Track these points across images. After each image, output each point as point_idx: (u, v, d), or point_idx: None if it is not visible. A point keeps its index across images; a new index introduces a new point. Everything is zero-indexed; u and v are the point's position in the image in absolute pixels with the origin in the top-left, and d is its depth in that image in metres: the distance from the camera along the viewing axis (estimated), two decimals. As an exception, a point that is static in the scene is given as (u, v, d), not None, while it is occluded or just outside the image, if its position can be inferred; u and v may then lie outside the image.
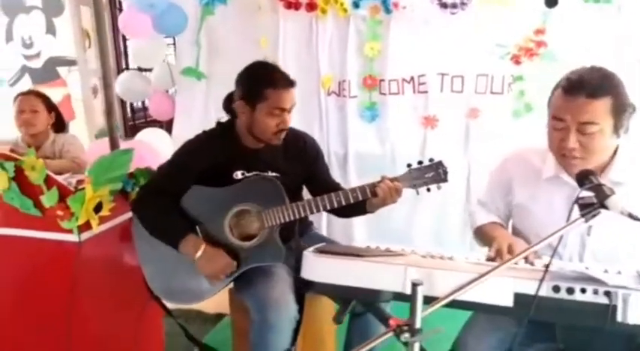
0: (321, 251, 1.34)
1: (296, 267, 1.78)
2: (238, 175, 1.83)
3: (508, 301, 1.17)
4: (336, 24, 2.88)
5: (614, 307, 1.10)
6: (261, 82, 1.77)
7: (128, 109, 3.69)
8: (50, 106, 2.65)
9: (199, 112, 3.14)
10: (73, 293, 1.81)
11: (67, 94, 3.23)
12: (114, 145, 2.24)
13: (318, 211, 1.78)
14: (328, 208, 1.76)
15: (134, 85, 3.16)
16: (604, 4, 2.52)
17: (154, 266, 1.82)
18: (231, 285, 1.89)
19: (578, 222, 1.15)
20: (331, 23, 2.88)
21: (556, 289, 1.15)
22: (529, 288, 1.16)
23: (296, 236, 1.82)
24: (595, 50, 2.54)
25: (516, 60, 2.63)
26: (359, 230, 2.90)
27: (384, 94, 2.87)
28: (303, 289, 1.76)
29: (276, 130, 1.80)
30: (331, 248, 1.38)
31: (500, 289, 1.16)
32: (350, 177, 2.93)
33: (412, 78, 2.82)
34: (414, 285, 1.05)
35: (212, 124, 3.11)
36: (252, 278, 1.76)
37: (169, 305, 2.03)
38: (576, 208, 1.19)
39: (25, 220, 1.86)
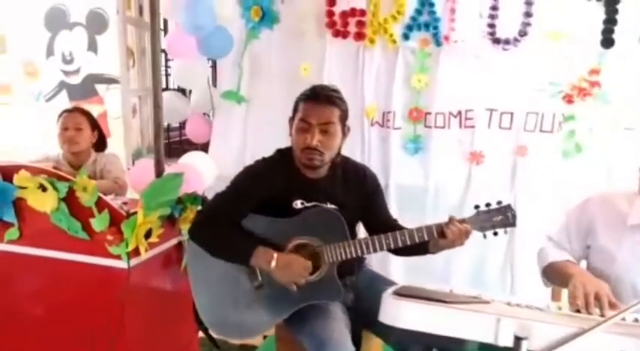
0: (400, 294, 1.26)
1: (355, 306, 1.72)
2: (298, 204, 1.78)
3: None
4: (383, 54, 2.88)
5: None
6: (300, 96, 1.82)
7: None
8: (94, 124, 2.63)
9: (237, 136, 3.14)
10: (120, 321, 1.73)
11: (103, 111, 3.22)
12: (160, 167, 2.18)
13: (382, 249, 1.71)
14: (392, 247, 1.71)
15: (174, 106, 3.13)
16: (661, 46, 2.44)
17: (207, 297, 1.79)
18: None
19: None
20: (379, 53, 2.88)
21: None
22: (633, 347, 1.07)
23: (354, 274, 1.74)
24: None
25: (569, 99, 2.59)
26: (395, 266, 2.82)
27: (430, 127, 2.83)
28: (359, 329, 1.66)
29: (303, 146, 1.76)
30: (411, 291, 1.30)
31: (603, 347, 1.08)
32: (391, 209, 2.84)
33: (459, 112, 2.78)
34: (518, 339, 0.97)
35: (250, 149, 3.11)
36: (308, 315, 1.70)
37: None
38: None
39: (72, 243, 1.81)
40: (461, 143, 2.82)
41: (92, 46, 3.34)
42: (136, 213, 1.81)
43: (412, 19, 2.78)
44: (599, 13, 2.54)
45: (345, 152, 2.97)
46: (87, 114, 2.67)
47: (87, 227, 1.82)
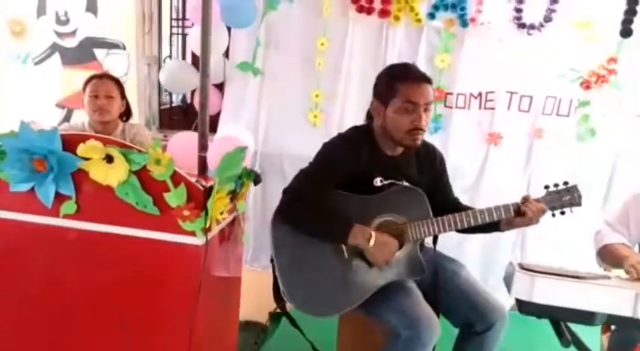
0: (528, 270, 1.31)
1: (433, 281, 1.76)
2: (377, 182, 1.82)
3: None
4: (407, 32, 2.95)
5: None
6: (393, 77, 1.88)
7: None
8: (122, 92, 2.47)
9: (250, 108, 3.12)
10: (197, 299, 1.67)
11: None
12: (204, 140, 2.09)
13: (462, 227, 1.76)
14: (472, 224, 1.79)
15: (181, 75, 3.00)
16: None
17: (295, 277, 1.85)
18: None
19: None
20: (403, 31, 2.95)
21: None
22: None
23: (434, 251, 1.79)
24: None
25: (587, 85, 2.78)
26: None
27: (450, 107, 2.94)
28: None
29: (410, 127, 1.84)
30: (536, 267, 1.35)
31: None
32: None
33: (480, 94, 2.91)
34: None
35: (263, 123, 3.05)
36: (392, 293, 1.78)
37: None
38: None
39: (138, 219, 1.82)
40: (480, 124, 2.95)
41: (91, 7, 3.14)
42: (211, 188, 1.74)
43: (440, -1, 2.79)
44: (621, 3, 2.67)
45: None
46: (117, 81, 2.55)
47: (157, 202, 1.73)
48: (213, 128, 3.40)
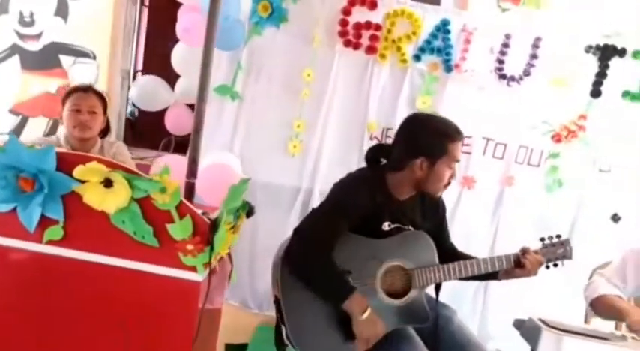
0: (555, 328, 1.33)
1: (433, 329, 1.75)
2: (386, 226, 1.79)
3: None
4: (392, 71, 3.01)
5: None
6: (444, 136, 1.87)
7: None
8: (105, 109, 2.31)
9: (225, 132, 3.03)
10: (193, 337, 1.58)
11: (66, 86, 2.82)
12: (194, 166, 2.01)
13: (467, 275, 1.78)
14: (476, 273, 1.79)
15: (154, 92, 2.90)
16: (637, 102, 2.84)
17: (302, 321, 1.81)
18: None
19: None
20: (388, 70, 3.01)
21: None
22: None
23: (437, 298, 1.79)
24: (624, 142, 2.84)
25: (557, 138, 2.94)
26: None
27: (427, 148, 2.93)
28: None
29: (448, 182, 1.92)
30: (559, 325, 1.38)
31: None
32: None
33: (458, 137, 2.92)
34: None
35: (238, 149, 2.98)
36: (394, 340, 1.73)
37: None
38: None
39: (133, 250, 1.69)
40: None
41: (61, 11, 2.94)
42: (216, 221, 1.65)
43: (426, 43, 2.95)
44: (593, 66, 2.84)
45: (342, 165, 3.06)
46: (101, 96, 2.37)
47: (158, 233, 1.62)
48: (183, 150, 3.32)
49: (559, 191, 3.00)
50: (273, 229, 2.98)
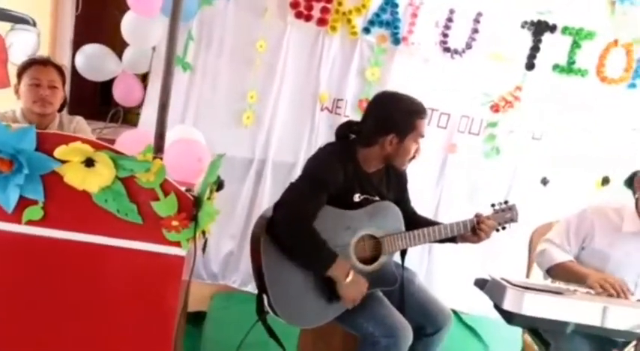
0: (517, 285, 1.53)
1: (399, 291, 1.93)
2: (356, 197, 1.91)
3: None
4: (342, 43, 3.10)
5: None
6: (412, 113, 1.99)
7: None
8: (64, 82, 2.25)
9: (176, 104, 3.00)
10: (177, 311, 1.68)
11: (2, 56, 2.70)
12: (161, 142, 2.05)
13: (431, 240, 1.95)
14: (437, 238, 1.96)
15: (101, 62, 2.84)
16: (566, 75, 3.10)
17: (281, 289, 1.90)
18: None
19: None
20: (338, 42, 3.09)
21: None
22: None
23: (403, 263, 1.97)
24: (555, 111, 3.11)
25: (496, 109, 3.16)
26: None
27: (377, 118, 3.08)
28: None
29: (413, 155, 2.08)
30: (523, 284, 1.58)
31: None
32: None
33: (405, 108, 3.08)
34: None
35: (190, 121, 2.99)
36: (367, 304, 1.88)
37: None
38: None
39: (116, 227, 1.71)
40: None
41: (-4, -27, 2.76)
42: (199, 197, 1.71)
43: (375, 16, 3.03)
44: (528, 41, 3.07)
45: (294, 136, 3.16)
46: (59, 69, 2.29)
47: (141, 210, 1.66)
48: (132, 121, 3.28)
49: (496, 158, 3.26)
50: (227, 200, 3.06)
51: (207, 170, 1.80)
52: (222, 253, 3.19)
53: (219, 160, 1.89)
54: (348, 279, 1.88)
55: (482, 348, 3.11)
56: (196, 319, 3.01)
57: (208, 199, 1.89)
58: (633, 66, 3.15)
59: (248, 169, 3.15)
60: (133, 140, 2.20)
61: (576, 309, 1.63)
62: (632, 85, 3.19)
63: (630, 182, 2.12)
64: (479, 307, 2.72)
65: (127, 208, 1.67)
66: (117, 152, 1.64)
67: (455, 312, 3.38)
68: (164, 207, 1.67)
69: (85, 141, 1.61)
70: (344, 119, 3.11)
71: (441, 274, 3.30)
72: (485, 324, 3.18)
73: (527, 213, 2.84)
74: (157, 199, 1.67)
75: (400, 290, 2.04)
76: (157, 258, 1.72)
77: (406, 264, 3.11)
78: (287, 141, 3.13)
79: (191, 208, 1.72)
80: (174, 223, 1.70)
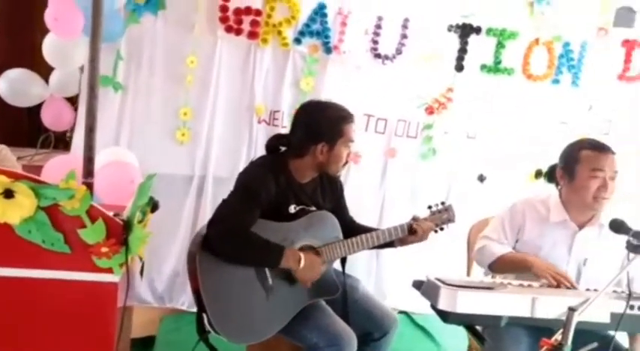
0: (451, 285, 1.57)
1: (342, 299, 1.95)
2: (292, 209, 1.92)
3: (607, 319, 1.59)
4: (274, 55, 3.11)
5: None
6: (339, 119, 2.06)
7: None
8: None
9: (109, 125, 2.97)
10: (115, 338, 1.66)
11: None
12: (90, 166, 2.02)
13: (369, 247, 1.98)
14: (376, 244, 1.99)
15: (26, 87, 2.77)
16: (493, 74, 3.21)
17: (224, 308, 1.88)
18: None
19: (637, 259, 1.62)
20: (270, 54, 3.10)
21: (632, 307, 1.61)
22: (617, 308, 1.59)
23: (343, 270, 1.99)
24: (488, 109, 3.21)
25: (430, 110, 3.21)
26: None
27: (315, 127, 3.10)
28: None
29: (346, 161, 2.11)
30: (457, 282, 1.62)
31: (601, 310, 1.57)
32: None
33: (341, 115, 3.12)
34: (572, 310, 1.38)
35: (125, 142, 2.94)
36: (309, 314, 1.88)
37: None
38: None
39: (43, 259, 1.68)
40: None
41: None
42: (128, 221, 1.69)
43: (306, 26, 3.06)
44: (455, 43, 3.16)
45: (233, 150, 3.14)
46: None
47: (68, 239, 1.62)
48: (64, 145, 3.19)
49: (434, 159, 3.34)
50: (169, 219, 3.01)
51: (136, 193, 1.77)
52: (168, 274, 3.13)
53: (149, 181, 1.86)
54: (301, 264, 1.91)
55: (435, 347, 3.16)
56: (146, 344, 2.95)
57: (140, 221, 1.86)
58: (555, 63, 3.30)
59: (188, 186, 3.11)
60: (63, 166, 2.14)
61: (507, 302, 1.68)
62: (556, 81, 3.33)
63: (551, 176, 2.21)
64: (429, 307, 2.78)
65: (52, 238, 1.63)
66: (37, 181, 1.60)
67: (406, 313, 3.48)
68: (92, 234, 1.64)
69: (1, 172, 1.56)
70: (282, 130, 3.17)
71: (390, 277, 3.34)
72: (436, 323, 3.22)
73: (468, 210, 2.96)
74: (83, 226, 1.64)
75: (343, 298, 2.05)
76: (89, 287, 1.68)
77: (355, 270, 3.19)
78: (226, 156, 3.10)
79: (121, 232, 1.69)
80: (104, 249, 1.66)
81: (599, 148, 2.07)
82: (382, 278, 3.38)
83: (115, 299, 1.69)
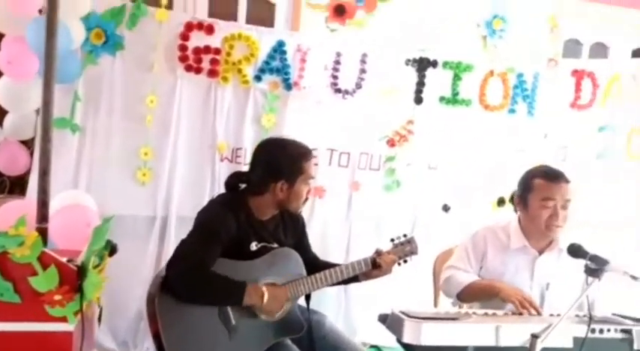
0: (414, 317, 1.56)
1: (308, 336, 1.92)
2: (253, 246, 1.90)
3: (569, 343, 1.59)
4: (235, 93, 3.13)
5: (632, 340, 1.63)
6: (299, 156, 2.03)
7: None
8: None
9: (68, 169, 2.90)
10: None
11: None
12: (45, 210, 1.98)
13: (333, 282, 1.97)
14: (340, 279, 1.98)
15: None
16: (452, 106, 3.28)
17: (181, 349, 1.82)
18: None
19: (594, 283, 1.64)
20: (231, 91, 3.12)
21: (593, 331, 1.62)
22: (579, 332, 1.60)
23: (308, 307, 1.97)
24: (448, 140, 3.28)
25: (392, 143, 3.26)
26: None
27: (278, 164, 3.11)
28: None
29: (306, 197, 2.09)
30: (422, 314, 1.61)
31: (563, 334, 1.58)
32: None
33: (304, 151, 3.14)
34: (534, 337, 1.39)
35: (84, 185, 2.89)
36: None
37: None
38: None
39: None
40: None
41: None
42: (82, 267, 1.64)
43: (265, 63, 3.09)
44: (413, 76, 3.24)
45: (196, 189, 3.12)
46: None
47: (18, 288, 1.56)
48: (20, 190, 3.10)
49: (398, 190, 3.36)
50: (131, 262, 2.94)
51: (91, 237, 1.72)
52: (131, 319, 3.03)
53: (105, 224, 1.82)
54: (265, 299, 1.88)
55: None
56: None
57: (97, 266, 1.81)
58: (510, 93, 3.41)
59: (151, 227, 3.05)
60: (16, 211, 2.07)
61: (472, 332, 1.66)
62: (512, 111, 3.44)
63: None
64: (396, 340, 2.76)
65: (1, 288, 1.56)
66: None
67: (377, 347, 3.44)
68: (43, 281, 1.58)
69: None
70: (245, 168, 3.15)
71: (359, 311, 3.31)
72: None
73: (434, 241, 2.97)
74: (34, 273, 1.58)
75: (309, 335, 2.01)
76: (42, 337, 1.61)
77: (324, 305, 3.16)
78: (189, 195, 3.05)
79: (75, 279, 1.63)
80: (57, 297, 1.60)
81: (551, 178, 2.10)
82: (351, 313, 3.34)
83: (69, 349, 1.62)
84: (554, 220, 2.06)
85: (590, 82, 3.52)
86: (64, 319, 1.61)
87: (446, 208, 3.43)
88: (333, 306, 3.30)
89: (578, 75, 3.50)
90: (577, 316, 1.87)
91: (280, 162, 2.01)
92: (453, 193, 3.43)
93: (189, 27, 2.94)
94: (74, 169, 2.91)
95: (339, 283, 2.15)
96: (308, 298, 2.09)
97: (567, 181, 2.10)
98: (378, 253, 2.13)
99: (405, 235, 2.25)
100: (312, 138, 3.19)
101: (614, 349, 1.80)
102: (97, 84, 2.92)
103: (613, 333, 1.76)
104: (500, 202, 3.45)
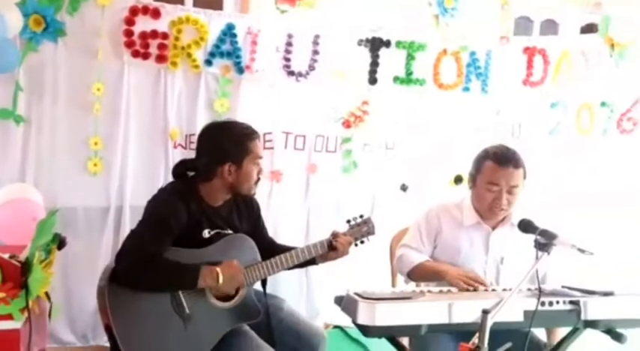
0: (368, 298, 1.58)
1: (266, 321, 1.93)
2: (206, 233, 1.90)
3: (520, 317, 1.64)
4: (186, 78, 3.08)
5: (579, 311, 1.69)
6: (243, 136, 2.02)
7: None
8: None
9: (13, 161, 2.83)
10: None
11: None
12: None
13: (289, 266, 1.97)
14: (296, 263, 1.98)
15: None
16: (406, 85, 3.30)
17: (134, 341, 1.81)
18: None
19: (544, 257, 1.69)
20: (181, 77, 3.07)
21: (542, 303, 1.67)
22: (529, 305, 1.65)
23: (264, 292, 1.97)
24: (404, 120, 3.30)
25: (347, 124, 3.27)
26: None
27: (233, 149, 3.08)
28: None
29: (257, 178, 2.06)
30: (372, 295, 1.62)
31: (514, 309, 1.62)
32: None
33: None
34: (485, 312, 1.43)
35: (31, 177, 2.81)
36: (233, 340, 1.85)
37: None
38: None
39: None
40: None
41: None
42: (27, 262, 1.60)
43: (215, 47, 3.05)
44: (367, 57, 3.23)
45: (149, 174, 3.08)
46: None
47: (-41, 288, 1.52)
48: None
49: (356, 172, 3.37)
50: (87, 254, 2.89)
51: (36, 231, 1.67)
52: (89, 312, 2.97)
53: (51, 218, 1.77)
54: (220, 280, 1.86)
55: (371, 359, 3.18)
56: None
57: (43, 261, 1.76)
58: (464, 71, 3.43)
59: (105, 218, 2.99)
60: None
61: (425, 310, 1.69)
62: (466, 89, 3.46)
63: None
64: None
65: (-60, 288, 1.51)
66: None
67: (340, 328, 3.47)
68: (-13, 279, 1.53)
69: None
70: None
71: (321, 293, 3.33)
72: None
73: (393, 220, 3.00)
74: (-24, 272, 1.53)
75: (267, 320, 2.02)
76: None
77: (285, 289, 3.17)
78: (142, 184, 2.98)
79: (18, 275, 1.59)
80: (1, 294, 1.56)
81: (500, 162, 2.12)
82: (313, 295, 3.36)
83: (17, 347, 1.58)
84: (496, 204, 2.12)
85: (541, 59, 3.57)
86: (9, 317, 1.57)
87: (404, 188, 3.46)
88: (295, 289, 3.31)
89: (530, 52, 3.55)
90: (529, 289, 1.93)
91: (224, 144, 1.99)
92: (410, 172, 3.45)
93: (134, 11, 2.85)
94: (20, 161, 2.82)
95: (295, 267, 2.15)
96: (264, 282, 2.10)
97: (517, 167, 2.12)
98: (335, 235, 2.15)
99: (361, 216, 2.26)
100: (267, 122, 3.20)
101: (563, 321, 1.88)
102: (40, 72, 2.82)
103: (562, 305, 1.82)
104: (458, 179, 3.50)
